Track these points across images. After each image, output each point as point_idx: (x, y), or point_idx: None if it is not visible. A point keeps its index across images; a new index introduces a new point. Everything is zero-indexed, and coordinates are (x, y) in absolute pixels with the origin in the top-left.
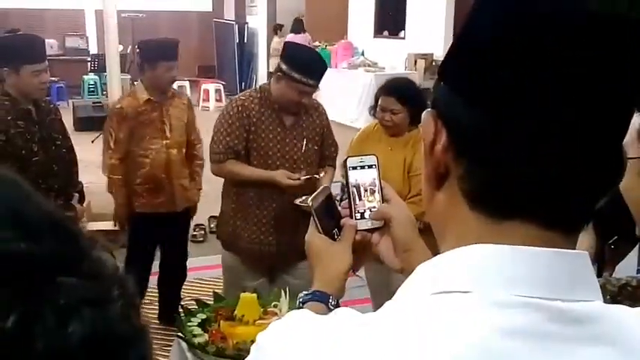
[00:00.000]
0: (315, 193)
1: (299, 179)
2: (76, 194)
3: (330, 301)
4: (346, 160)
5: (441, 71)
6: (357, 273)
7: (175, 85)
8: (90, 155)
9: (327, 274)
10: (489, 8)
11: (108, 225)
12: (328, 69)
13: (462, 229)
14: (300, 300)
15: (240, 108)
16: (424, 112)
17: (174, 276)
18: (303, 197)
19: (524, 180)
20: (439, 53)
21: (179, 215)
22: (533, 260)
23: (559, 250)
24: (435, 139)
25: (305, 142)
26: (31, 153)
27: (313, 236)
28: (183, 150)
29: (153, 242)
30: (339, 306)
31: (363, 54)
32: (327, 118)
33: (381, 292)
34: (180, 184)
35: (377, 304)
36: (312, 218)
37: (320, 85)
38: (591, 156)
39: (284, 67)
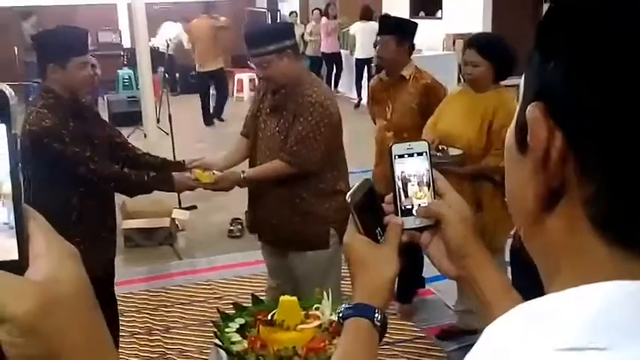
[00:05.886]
0: (354, 188)
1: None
2: None
3: (377, 315)
4: (391, 147)
5: (546, 45)
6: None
7: None
8: None
9: (372, 282)
10: None
11: (143, 223)
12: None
13: (586, 262)
14: (341, 315)
15: (256, 91)
16: (529, 106)
17: None
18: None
19: None
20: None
21: None
22: None
23: None
24: (548, 146)
25: (275, 126)
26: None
27: (353, 239)
28: (405, 134)
29: None
30: (385, 320)
31: None
32: (307, 109)
33: None
34: None
35: None
36: (350, 217)
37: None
38: None
39: None
